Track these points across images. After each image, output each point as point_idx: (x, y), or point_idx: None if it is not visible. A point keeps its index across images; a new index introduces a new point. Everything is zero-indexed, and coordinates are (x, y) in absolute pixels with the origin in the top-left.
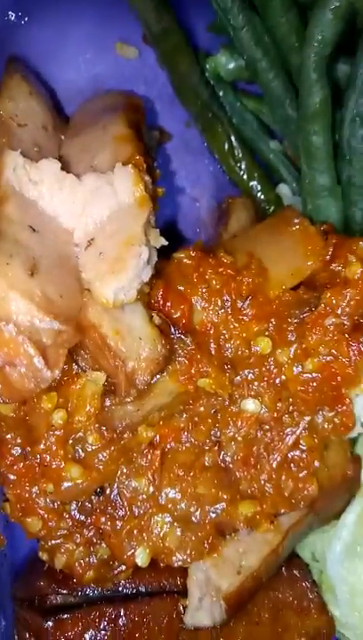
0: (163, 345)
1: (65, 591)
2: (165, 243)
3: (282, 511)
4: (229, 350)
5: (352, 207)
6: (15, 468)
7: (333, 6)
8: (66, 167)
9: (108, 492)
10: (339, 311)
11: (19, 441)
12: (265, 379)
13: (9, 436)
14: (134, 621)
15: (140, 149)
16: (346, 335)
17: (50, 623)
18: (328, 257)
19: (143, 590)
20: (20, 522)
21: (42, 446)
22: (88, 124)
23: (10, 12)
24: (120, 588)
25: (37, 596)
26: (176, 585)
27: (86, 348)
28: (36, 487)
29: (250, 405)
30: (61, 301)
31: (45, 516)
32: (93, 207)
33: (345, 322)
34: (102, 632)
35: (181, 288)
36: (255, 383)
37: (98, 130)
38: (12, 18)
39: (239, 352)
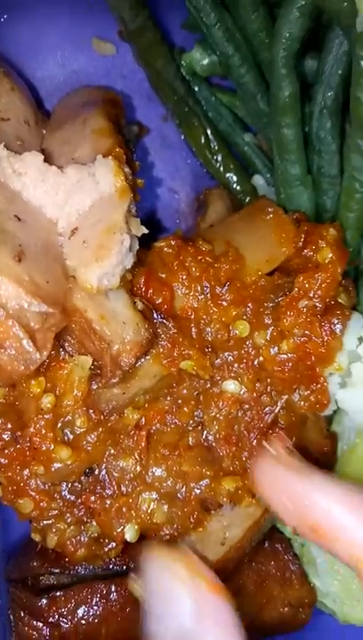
0: (146, 329)
1: (58, 570)
2: (146, 231)
3: None
4: (210, 334)
5: (322, 196)
6: (6, 452)
7: (299, 5)
8: (48, 160)
9: (96, 472)
10: (311, 294)
11: (9, 426)
12: (244, 361)
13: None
14: (125, 596)
15: (119, 142)
16: (318, 317)
17: (44, 600)
18: (301, 243)
19: (133, 566)
20: (12, 504)
21: (32, 430)
22: (68, 118)
23: None
24: (111, 566)
25: (31, 576)
26: None
27: (73, 332)
28: (27, 470)
29: (230, 386)
30: (48, 286)
31: (37, 497)
32: (76, 198)
33: (318, 304)
34: (95, 607)
35: (163, 275)
36: (235, 365)
37: (78, 124)
38: None
39: (219, 335)
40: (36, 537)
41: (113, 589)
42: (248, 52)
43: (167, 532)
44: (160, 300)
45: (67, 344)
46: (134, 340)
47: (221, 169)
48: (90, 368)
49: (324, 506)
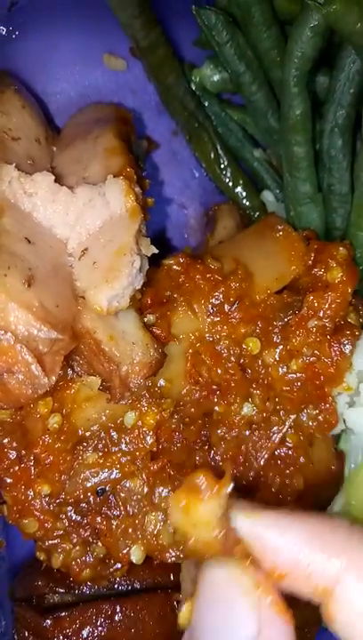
0: (155, 349)
1: (62, 590)
2: (156, 251)
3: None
4: (223, 351)
5: (333, 214)
6: (11, 471)
7: (312, 24)
8: (58, 178)
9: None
10: (321, 314)
11: (15, 445)
12: (256, 380)
13: (5, 441)
14: (130, 617)
15: (130, 161)
16: (328, 337)
17: (48, 621)
18: (310, 262)
19: (138, 587)
20: (17, 524)
21: (37, 450)
22: (79, 135)
23: (1, 27)
24: (116, 586)
25: (36, 595)
26: (170, 581)
27: (81, 353)
28: (32, 490)
29: (244, 408)
30: (57, 310)
31: (41, 517)
32: (86, 218)
33: (327, 324)
34: (99, 628)
35: (170, 293)
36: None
37: (89, 142)
38: (3, 32)
39: (232, 351)
40: (41, 556)
41: (118, 610)
42: (259, 69)
43: (173, 554)
44: (159, 331)
45: (75, 364)
46: (143, 360)
47: (231, 184)
48: (98, 388)
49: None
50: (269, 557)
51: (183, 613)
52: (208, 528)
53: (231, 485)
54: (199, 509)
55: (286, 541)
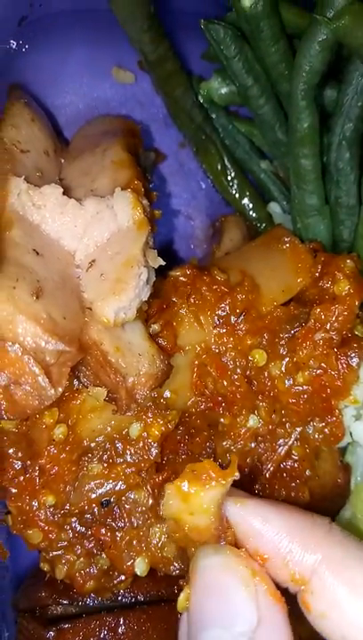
0: (161, 360)
1: (66, 601)
2: (163, 263)
3: None
4: (229, 363)
5: (340, 226)
6: (16, 481)
7: (320, 39)
8: (66, 190)
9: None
10: (328, 326)
11: (20, 455)
12: (262, 392)
13: (11, 451)
14: (133, 629)
15: (138, 174)
16: (335, 349)
17: (51, 633)
18: (317, 274)
19: (142, 599)
20: (21, 534)
21: (43, 461)
22: (87, 148)
23: (11, 41)
24: (119, 598)
25: (39, 607)
26: (174, 593)
27: (88, 364)
28: (36, 500)
29: (250, 421)
30: (65, 322)
31: (46, 528)
32: (94, 230)
33: (334, 336)
34: None
35: (176, 305)
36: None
37: (97, 154)
38: (14, 46)
39: (238, 363)
40: (45, 567)
41: (122, 622)
42: (267, 82)
43: (178, 567)
44: (165, 343)
45: (82, 375)
46: (149, 372)
47: (237, 196)
48: (104, 399)
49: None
50: (251, 541)
51: (182, 598)
52: (206, 516)
53: (237, 475)
54: (201, 497)
55: (268, 528)
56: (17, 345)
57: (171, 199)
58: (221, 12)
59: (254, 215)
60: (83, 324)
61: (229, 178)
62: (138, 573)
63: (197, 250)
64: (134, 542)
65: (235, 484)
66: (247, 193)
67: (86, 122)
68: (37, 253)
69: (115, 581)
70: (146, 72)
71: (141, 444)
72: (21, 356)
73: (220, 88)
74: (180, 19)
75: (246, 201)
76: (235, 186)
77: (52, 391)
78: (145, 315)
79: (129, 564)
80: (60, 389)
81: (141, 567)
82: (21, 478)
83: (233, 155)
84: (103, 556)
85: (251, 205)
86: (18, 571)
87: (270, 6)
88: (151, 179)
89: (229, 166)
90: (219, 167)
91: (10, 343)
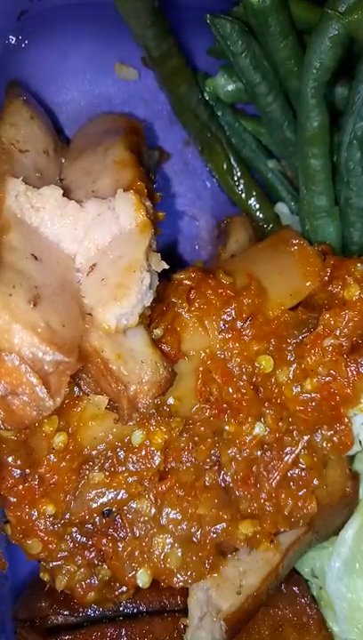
0: (165, 367)
1: (66, 612)
2: (167, 267)
3: (282, 530)
4: (235, 369)
5: (350, 228)
6: (15, 490)
7: (332, 34)
8: (66, 190)
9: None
10: (337, 332)
11: (19, 463)
12: (269, 399)
13: (10, 459)
14: None
15: (140, 174)
16: (345, 356)
17: None
18: (327, 278)
19: (144, 610)
20: (20, 544)
21: (42, 469)
22: (89, 147)
23: (10, 36)
24: (121, 608)
25: (39, 617)
26: (177, 604)
27: (88, 371)
28: (36, 510)
29: (256, 429)
30: (64, 330)
31: (45, 538)
32: (95, 233)
33: (344, 343)
34: None
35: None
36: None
37: (99, 153)
38: (13, 41)
39: (244, 369)
40: (45, 577)
41: (123, 633)
42: (275, 79)
43: (181, 579)
44: (168, 348)
45: (82, 383)
46: (152, 379)
47: (244, 196)
48: (105, 408)
49: None
50: None
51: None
52: None
53: None
54: None
55: None
56: (14, 354)
57: (175, 199)
58: (228, 7)
59: (260, 216)
60: (83, 331)
61: (235, 177)
62: (140, 585)
63: (202, 251)
64: (136, 553)
65: None
66: (254, 193)
67: (88, 120)
68: (36, 258)
69: (116, 592)
70: (150, 68)
71: (143, 452)
72: (18, 365)
73: (226, 85)
74: (185, 13)
75: (252, 201)
76: (241, 186)
77: (51, 402)
78: (148, 320)
79: (131, 575)
80: (60, 399)
81: (143, 579)
82: (20, 487)
83: (239, 153)
84: (104, 566)
85: (258, 206)
86: (17, 580)
87: (278, 0)
88: (155, 178)
89: (235, 165)
90: (225, 166)
91: (6, 353)
